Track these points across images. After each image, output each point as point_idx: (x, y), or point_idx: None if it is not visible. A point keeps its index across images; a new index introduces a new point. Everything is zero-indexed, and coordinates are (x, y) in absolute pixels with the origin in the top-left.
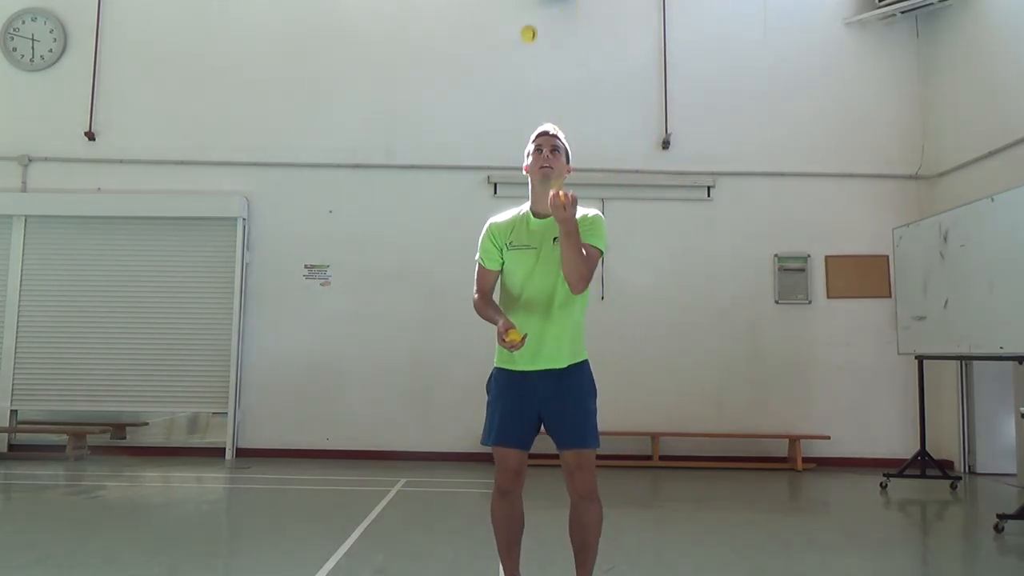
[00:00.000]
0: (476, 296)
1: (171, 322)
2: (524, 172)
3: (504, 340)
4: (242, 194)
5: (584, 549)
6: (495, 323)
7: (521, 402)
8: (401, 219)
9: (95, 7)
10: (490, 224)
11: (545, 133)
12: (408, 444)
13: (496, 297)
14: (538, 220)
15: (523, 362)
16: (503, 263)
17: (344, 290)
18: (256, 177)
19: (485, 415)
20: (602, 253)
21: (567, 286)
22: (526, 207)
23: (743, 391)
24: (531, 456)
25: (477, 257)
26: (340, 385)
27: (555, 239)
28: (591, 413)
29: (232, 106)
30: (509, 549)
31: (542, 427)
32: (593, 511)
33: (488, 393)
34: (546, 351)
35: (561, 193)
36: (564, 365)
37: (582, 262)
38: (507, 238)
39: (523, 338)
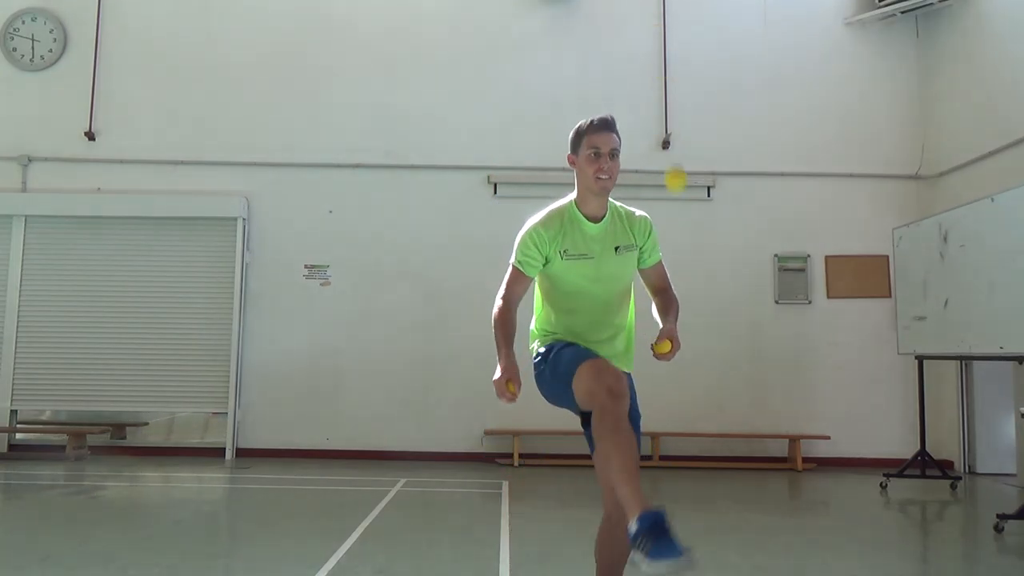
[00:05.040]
0: (500, 304)
1: (171, 322)
2: (569, 163)
3: (505, 392)
4: (242, 194)
5: (612, 569)
6: (499, 349)
7: None
8: (401, 219)
9: (95, 7)
10: (535, 229)
11: (606, 128)
12: (408, 444)
13: (530, 303)
14: (594, 225)
15: None
16: (550, 271)
17: (344, 290)
18: (256, 177)
19: (558, 360)
20: None
21: (622, 295)
22: (567, 202)
23: (743, 391)
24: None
25: (513, 260)
26: (340, 385)
27: (616, 248)
28: (637, 428)
29: (232, 106)
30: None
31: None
32: None
33: (545, 355)
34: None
35: (669, 352)
36: None
37: (675, 312)
38: (560, 246)
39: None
